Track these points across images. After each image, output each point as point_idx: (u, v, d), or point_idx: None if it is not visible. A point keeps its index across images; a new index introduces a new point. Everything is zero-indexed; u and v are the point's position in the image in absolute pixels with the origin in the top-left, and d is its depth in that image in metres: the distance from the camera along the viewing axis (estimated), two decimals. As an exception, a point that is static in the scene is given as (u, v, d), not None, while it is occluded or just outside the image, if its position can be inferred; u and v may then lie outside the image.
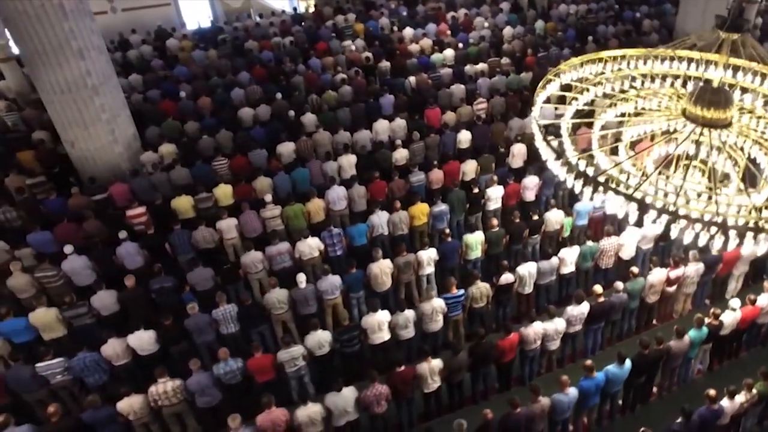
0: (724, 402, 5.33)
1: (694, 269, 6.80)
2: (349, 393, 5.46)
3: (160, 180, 8.57)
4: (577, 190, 4.35)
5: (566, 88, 5.40)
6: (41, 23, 7.57)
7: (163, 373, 5.55)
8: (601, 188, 4.14)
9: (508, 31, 12.99)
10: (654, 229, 7.27)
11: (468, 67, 11.48)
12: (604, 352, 6.85)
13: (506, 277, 6.74)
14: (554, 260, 6.94)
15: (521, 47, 12.17)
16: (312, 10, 15.41)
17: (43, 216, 7.96)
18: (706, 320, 6.09)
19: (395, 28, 13.59)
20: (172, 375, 5.63)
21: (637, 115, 5.28)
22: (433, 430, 5.02)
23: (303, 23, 14.34)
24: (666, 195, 4.34)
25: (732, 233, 3.80)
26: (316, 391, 6.10)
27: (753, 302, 6.29)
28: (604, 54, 5.35)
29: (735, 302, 6.20)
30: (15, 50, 12.36)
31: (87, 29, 8.09)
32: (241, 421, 5.03)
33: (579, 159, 4.46)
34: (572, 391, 5.43)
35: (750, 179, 4.89)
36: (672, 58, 5.05)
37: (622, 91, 5.30)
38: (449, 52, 12.05)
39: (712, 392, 5.23)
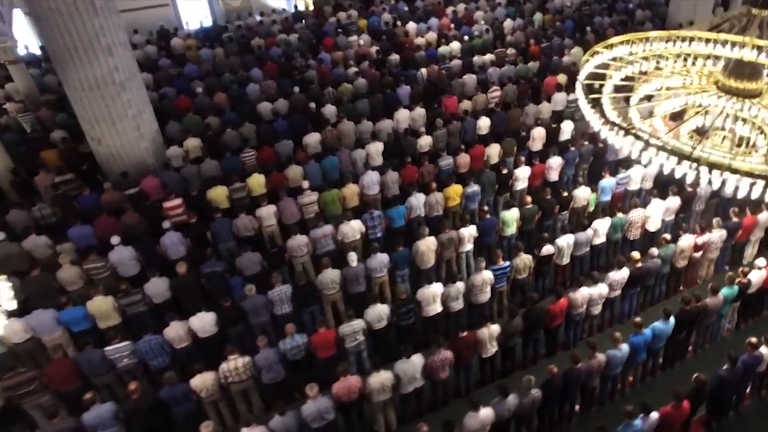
0: (763, 349, 5.75)
1: (717, 235, 7.26)
2: (417, 360, 5.68)
3: (190, 173, 8.64)
4: (630, 153, 4.62)
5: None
6: (72, 20, 7.56)
7: (233, 350, 5.69)
8: (653, 148, 4.42)
9: (508, 23, 13.46)
10: (675, 201, 7.78)
11: (476, 58, 11.86)
12: (638, 316, 7.22)
13: (547, 249, 7.08)
14: (589, 232, 7.31)
15: (524, 38, 12.64)
16: (311, 8, 15.56)
17: (77, 212, 7.94)
18: (737, 279, 6.54)
19: (398, 23, 13.88)
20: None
21: (669, 89, 5.65)
22: (506, 386, 5.28)
23: (304, 20, 14.52)
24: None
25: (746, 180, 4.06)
26: (371, 366, 6.28)
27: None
28: (634, 36, 5.70)
29: (761, 261, 6.67)
30: (21, 52, 12.32)
31: (115, 26, 8.10)
32: (318, 390, 5.22)
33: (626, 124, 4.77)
34: (624, 347, 5.79)
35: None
36: (706, 40, 5.41)
37: (657, 68, 5.66)
38: (455, 45, 12.43)
39: (753, 340, 5.66)
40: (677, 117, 5.95)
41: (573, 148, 8.92)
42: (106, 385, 6.00)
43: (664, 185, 8.05)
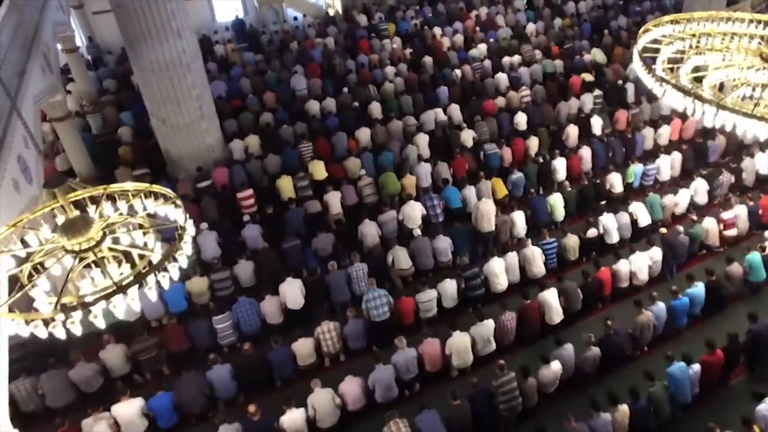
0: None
1: (743, 210, 7.99)
2: (489, 323, 6.30)
3: (255, 167, 9.25)
4: (692, 112, 5.18)
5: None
6: (149, 5, 7.93)
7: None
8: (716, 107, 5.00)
9: (530, 27, 14.23)
10: (702, 183, 8.56)
11: (505, 59, 12.58)
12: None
13: (591, 231, 7.81)
14: (626, 215, 8.05)
15: (546, 41, 13.43)
16: (339, 11, 16.02)
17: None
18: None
19: (426, 27, 14.48)
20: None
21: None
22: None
23: (336, 25, 14.95)
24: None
25: None
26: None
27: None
28: (679, 16, 6.37)
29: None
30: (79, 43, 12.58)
31: (183, 10, 8.47)
32: (405, 342, 5.91)
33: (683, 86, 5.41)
34: (683, 298, 6.67)
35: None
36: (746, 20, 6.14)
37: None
38: (483, 46, 13.14)
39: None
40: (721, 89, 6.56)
41: (598, 141, 9.71)
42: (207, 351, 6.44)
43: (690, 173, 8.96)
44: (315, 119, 10.52)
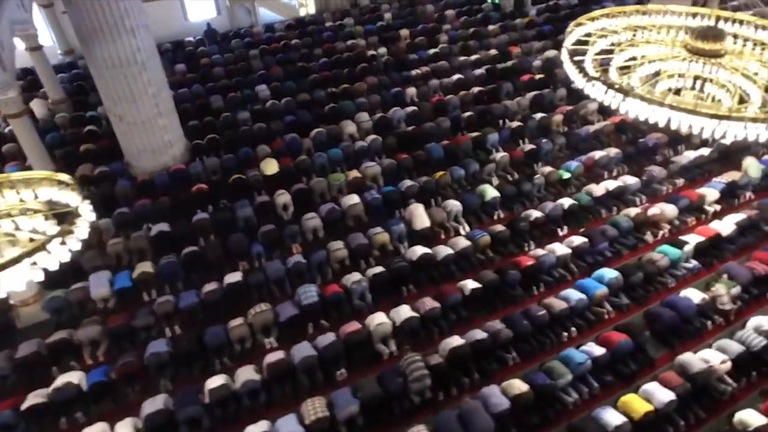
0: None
1: (670, 208, 8.33)
2: (405, 307, 6.63)
3: (212, 163, 9.77)
4: (610, 104, 5.51)
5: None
6: (100, 3, 8.25)
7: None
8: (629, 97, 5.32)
9: (491, 27, 14.53)
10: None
11: (462, 58, 12.91)
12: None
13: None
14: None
15: (507, 40, 13.75)
16: (312, 12, 16.31)
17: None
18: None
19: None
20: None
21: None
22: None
23: (306, 27, 15.14)
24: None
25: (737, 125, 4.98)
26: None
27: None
28: (613, 10, 6.64)
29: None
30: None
31: (138, 9, 8.81)
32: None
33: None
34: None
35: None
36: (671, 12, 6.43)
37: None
38: (443, 47, 13.54)
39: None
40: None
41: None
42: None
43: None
44: (274, 119, 10.88)
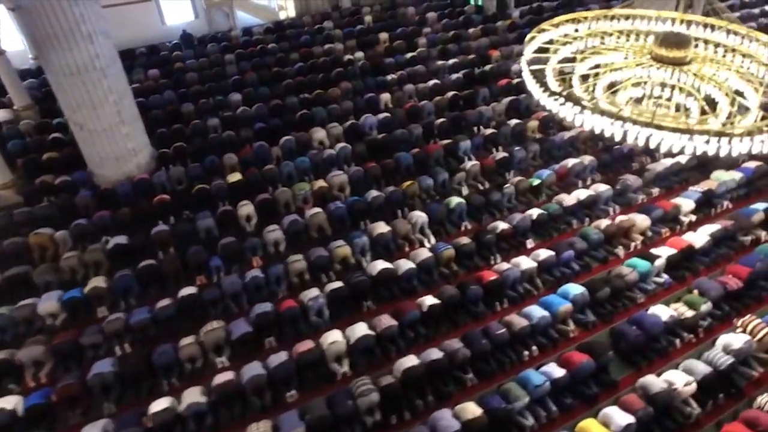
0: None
1: (641, 218, 8.06)
2: (362, 324, 6.37)
3: (178, 172, 9.55)
4: (565, 116, 5.27)
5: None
6: (53, 8, 8.00)
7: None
8: (586, 110, 5.07)
9: (472, 30, 14.28)
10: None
11: (440, 62, 12.69)
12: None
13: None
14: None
15: (488, 43, 13.48)
16: (292, 15, 16.09)
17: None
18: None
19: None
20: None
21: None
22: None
23: (283, 31, 14.93)
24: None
25: (700, 138, 4.69)
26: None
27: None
28: (579, 14, 6.36)
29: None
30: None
31: (95, 14, 8.56)
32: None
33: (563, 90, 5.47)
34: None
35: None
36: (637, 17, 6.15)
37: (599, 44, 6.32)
38: (422, 50, 13.29)
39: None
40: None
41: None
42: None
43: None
44: (244, 126, 10.64)
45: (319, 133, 10.22)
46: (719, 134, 4.90)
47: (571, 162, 9.13)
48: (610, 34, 6.38)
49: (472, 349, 6.26)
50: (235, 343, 6.69)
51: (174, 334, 6.82)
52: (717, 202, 8.67)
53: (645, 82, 5.81)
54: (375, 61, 12.78)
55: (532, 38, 6.32)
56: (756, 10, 15.66)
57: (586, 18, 6.40)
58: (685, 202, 8.41)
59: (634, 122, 4.95)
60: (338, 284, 7.19)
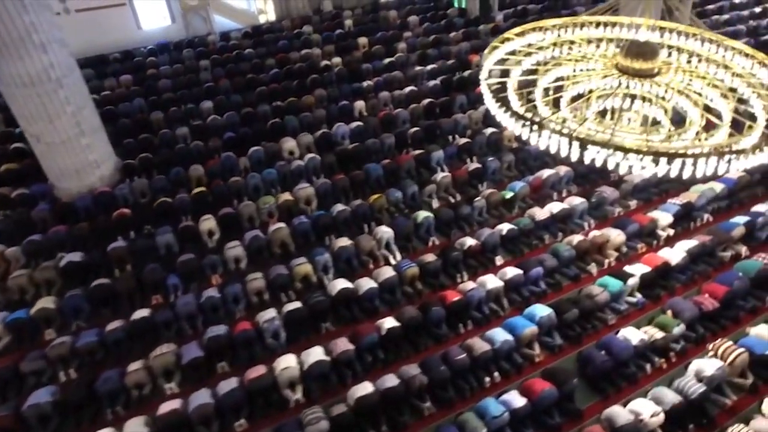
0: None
1: (616, 234, 7.74)
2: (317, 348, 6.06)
3: (141, 185, 9.25)
4: (520, 134, 4.96)
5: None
6: (1, 17, 7.69)
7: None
8: (543, 130, 4.75)
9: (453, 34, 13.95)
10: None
11: (418, 68, 12.38)
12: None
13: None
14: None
15: (468, 48, 13.16)
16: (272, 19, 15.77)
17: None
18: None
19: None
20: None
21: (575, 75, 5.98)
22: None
23: (260, 37, 14.55)
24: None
25: (663, 160, 4.40)
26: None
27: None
28: (533, 25, 6.03)
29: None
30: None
31: (48, 22, 8.23)
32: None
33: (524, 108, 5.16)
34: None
35: (677, 125, 5.67)
36: (605, 24, 5.82)
37: (554, 58, 6.00)
38: (401, 55, 12.99)
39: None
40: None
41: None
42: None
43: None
44: (213, 136, 10.34)
45: (289, 143, 9.90)
46: (682, 155, 4.60)
47: (546, 173, 8.81)
48: (579, 44, 6.06)
49: (430, 376, 5.95)
50: (185, 368, 6.38)
51: (123, 358, 6.52)
52: (697, 215, 8.35)
53: (610, 95, 5.51)
54: (352, 66, 12.45)
55: (494, 48, 6.01)
56: (745, 12, 15.31)
57: (554, 26, 6.09)
58: (663, 216, 8.09)
59: (592, 143, 4.64)
60: (296, 305, 6.89)
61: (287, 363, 6.15)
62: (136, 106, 11.42)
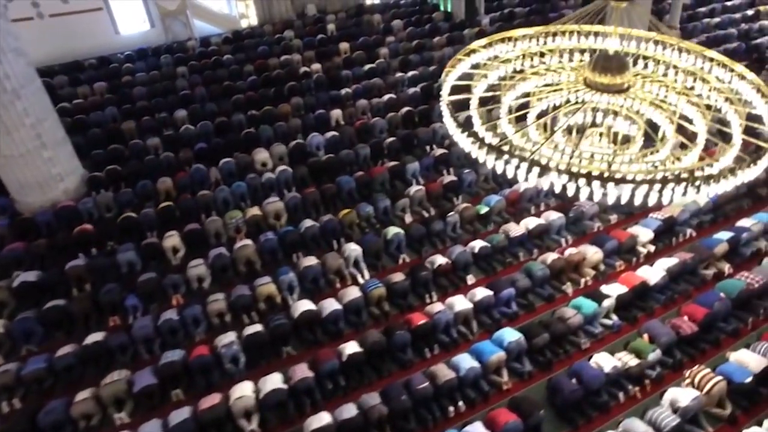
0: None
1: (593, 251, 7.44)
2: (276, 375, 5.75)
3: (105, 198, 8.95)
4: (477, 158, 4.63)
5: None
6: (-49, 26, 7.42)
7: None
8: (503, 155, 4.40)
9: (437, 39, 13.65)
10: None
11: (399, 74, 12.09)
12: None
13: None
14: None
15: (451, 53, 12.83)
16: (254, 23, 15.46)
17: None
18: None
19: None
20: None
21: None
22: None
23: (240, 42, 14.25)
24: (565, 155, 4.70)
25: (627, 187, 3.96)
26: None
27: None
28: (500, 35, 5.68)
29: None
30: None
31: (3, 30, 7.94)
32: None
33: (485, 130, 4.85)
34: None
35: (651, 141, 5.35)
36: (572, 33, 5.47)
37: (522, 71, 5.65)
38: (381, 61, 12.67)
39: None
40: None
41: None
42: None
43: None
44: (184, 146, 10.04)
45: (261, 155, 9.60)
46: (649, 182, 4.26)
47: (523, 186, 8.49)
48: (543, 55, 5.74)
49: (391, 406, 5.65)
50: (137, 396, 6.08)
51: (73, 386, 6.22)
52: (679, 230, 8.05)
53: (576, 111, 5.18)
54: (331, 73, 12.15)
55: (459, 61, 5.69)
56: (737, 15, 14.99)
57: (524, 36, 5.77)
58: (643, 232, 7.78)
59: (548, 168, 4.31)
60: (256, 328, 6.59)
61: (242, 391, 5.85)
62: (108, 115, 11.12)
